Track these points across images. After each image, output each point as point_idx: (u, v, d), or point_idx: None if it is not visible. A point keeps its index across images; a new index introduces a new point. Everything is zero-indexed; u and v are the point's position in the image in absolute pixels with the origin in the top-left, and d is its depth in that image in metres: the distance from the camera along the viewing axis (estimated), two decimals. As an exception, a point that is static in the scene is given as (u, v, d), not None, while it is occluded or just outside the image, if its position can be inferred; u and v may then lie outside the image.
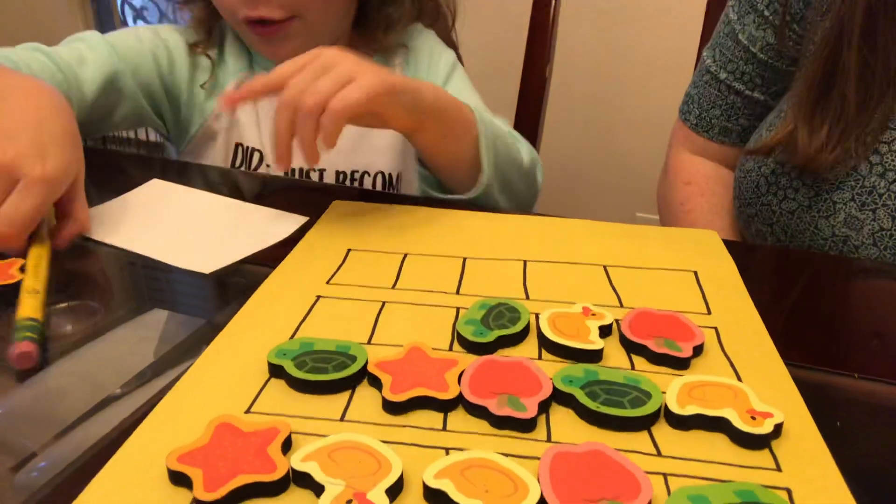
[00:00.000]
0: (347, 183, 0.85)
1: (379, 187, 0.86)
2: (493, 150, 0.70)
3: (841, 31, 0.64)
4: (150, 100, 0.84)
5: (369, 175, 0.86)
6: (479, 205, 0.69)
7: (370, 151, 0.86)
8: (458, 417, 0.38)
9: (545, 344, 0.44)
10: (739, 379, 0.41)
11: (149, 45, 0.82)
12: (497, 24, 1.73)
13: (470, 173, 0.70)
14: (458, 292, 0.51)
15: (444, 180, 0.73)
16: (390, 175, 0.87)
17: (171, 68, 0.84)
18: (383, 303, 0.49)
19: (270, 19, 0.77)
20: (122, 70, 0.79)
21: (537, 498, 0.32)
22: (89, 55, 0.77)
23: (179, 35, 0.85)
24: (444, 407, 0.38)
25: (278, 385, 0.41)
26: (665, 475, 0.34)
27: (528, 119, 1.05)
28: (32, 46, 0.76)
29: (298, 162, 0.57)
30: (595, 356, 0.43)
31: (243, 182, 0.75)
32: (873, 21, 0.62)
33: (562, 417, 0.38)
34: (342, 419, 0.38)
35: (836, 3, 0.64)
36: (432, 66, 0.90)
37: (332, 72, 0.57)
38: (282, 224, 0.62)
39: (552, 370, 0.41)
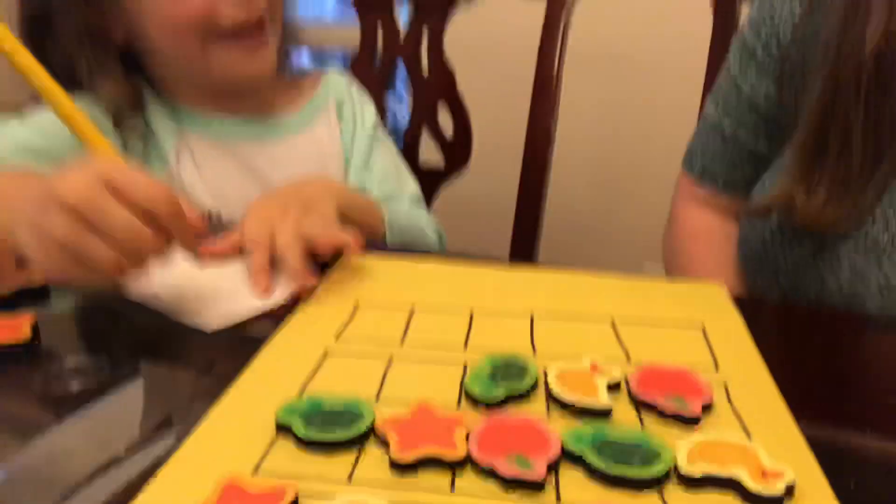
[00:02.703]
0: None
1: None
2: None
3: (836, 88, 0.63)
4: None
5: None
6: None
7: None
8: (466, 479, 0.38)
9: (554, 401, 0.44)
10: (749, 436, 0.41)
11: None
12: (501, 81, 1.75)
13: None
14: (465, 347, 0.51)
15: None
16: None
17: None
18: (391, 359, 0.49)
19: (251, 21, 0.75)
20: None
21: (547, 563, 0.31)
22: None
23: (100, 111, 0.76)
24: (453, 467, 0.38)
25: (286, 443, 0.40)
26: (677, 538, 0.34)
27: (534, 173, 1.06)
28: None
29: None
30: (604, 414, 0.43)
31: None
32: (870, 79, 0.62)
33: (571, 478, 0.38)
34: (349, 480, 0.38)
35: (830, 60, 0.64)
36: (358, 118, 0.92)
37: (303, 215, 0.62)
38: (287, 280, 0.62)
39: (561, 428, 0.40)
